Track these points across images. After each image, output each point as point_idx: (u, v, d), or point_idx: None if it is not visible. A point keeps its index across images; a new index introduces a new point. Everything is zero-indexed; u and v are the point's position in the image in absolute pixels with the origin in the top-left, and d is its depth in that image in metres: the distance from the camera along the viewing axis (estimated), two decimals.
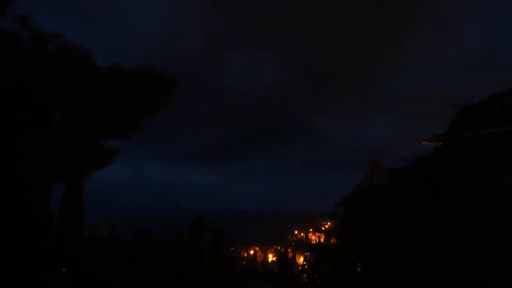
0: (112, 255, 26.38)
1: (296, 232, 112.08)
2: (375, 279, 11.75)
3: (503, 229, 9.16)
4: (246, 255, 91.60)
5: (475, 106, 13.21)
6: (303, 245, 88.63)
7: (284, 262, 44.63)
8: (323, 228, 74.36)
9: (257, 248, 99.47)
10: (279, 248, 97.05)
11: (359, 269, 13.57)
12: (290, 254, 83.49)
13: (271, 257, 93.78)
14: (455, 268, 9.82)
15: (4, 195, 15.10)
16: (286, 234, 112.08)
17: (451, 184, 10.83)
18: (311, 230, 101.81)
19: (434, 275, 10.14)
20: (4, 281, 14.55)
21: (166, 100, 19.69)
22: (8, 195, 15.19)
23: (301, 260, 77.80)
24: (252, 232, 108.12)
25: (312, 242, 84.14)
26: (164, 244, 34.95)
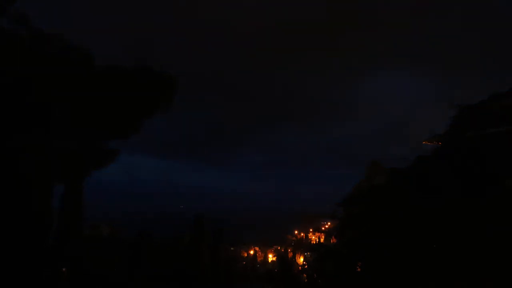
0: (112, 255, 26.40)
1: (296, 232, 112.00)
2: (375, 279, 11.76)
3: (503, 229, 9.15)
4: (246, 255, 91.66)
5: (475, 106, 13.21)
6: (303, 245, 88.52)
7: (284, 262, 44.64)
8: (323, 228, 74.39)
9: (257, 248, 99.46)
10: (279, 248, 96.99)
11: (359, 269, 13.58)
12: (290, 254, 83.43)
13: (271, 257, 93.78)
14: (455, 268, 9.83)
15: (5, 195, 15.11)
16: (286, 234, 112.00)
17: (451, 184, 10.83)
18: (311, 230, 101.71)
19: (435, 275, 10.14)
20: (4, 281, 14.56)
21: (166, 99, 19.69)
22: (8, 195, 15.20)
23: (301, 260, 77.75)
24: (252, 232, 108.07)
25: (312, 242, 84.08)
26: (164, 244, 34.99)
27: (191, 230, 38.61)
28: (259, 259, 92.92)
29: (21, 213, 15.58)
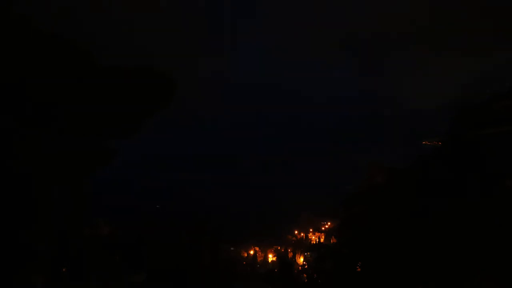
0: (112, 255, 26.41)
1: (296, 232, 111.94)
2: (375, 278, 11.77)
3: (503, 229, 9.16)
4: (246, 255, 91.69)
5: (475, 106, 13.22)
6: (303, 245, 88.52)
7: (284, 262, 44.60)
8: (323, 228, 74.46)
9: (257, 248, 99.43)
10: (279, 248, 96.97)
11: (359, 269, 13.60)
12: (290, 254, 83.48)
13: (271, 257, 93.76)
14: (455, 268, 9.83)
15: (5, 196, 15.12)
16: (286, 234, 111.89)
17: (451, 185, 10.84)
18: (311, 230, 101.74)
19: (434, 275, 10.15)
20: (3, 281, 14.57)
21: (166, 100, 19.72)
22: (8, 196, 15.21)
23: (301, 260, 77.82)
24: (252, 232, 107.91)
25: (312, 242, 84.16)
26: (164, 244, 35.01)
27: (191, 229, 38.67)
28: (259, 259, 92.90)
29: (21, 213, 15.59)
